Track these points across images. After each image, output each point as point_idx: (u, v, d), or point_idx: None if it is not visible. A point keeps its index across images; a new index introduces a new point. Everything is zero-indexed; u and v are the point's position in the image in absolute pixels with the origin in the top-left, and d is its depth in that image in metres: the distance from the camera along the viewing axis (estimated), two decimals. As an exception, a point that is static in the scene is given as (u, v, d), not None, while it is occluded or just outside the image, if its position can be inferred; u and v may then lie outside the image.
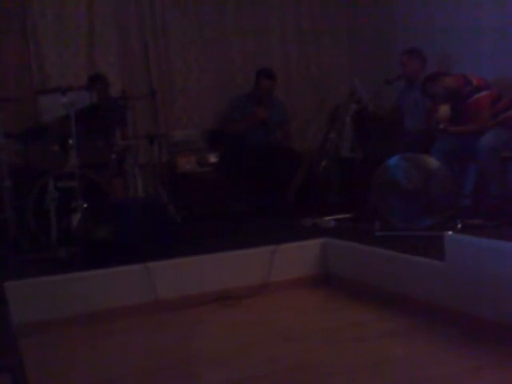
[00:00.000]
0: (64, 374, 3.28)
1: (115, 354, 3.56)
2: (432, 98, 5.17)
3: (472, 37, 5.57)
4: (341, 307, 4.13)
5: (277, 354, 3.35)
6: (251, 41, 6.83)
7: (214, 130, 6.57)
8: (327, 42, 7.08)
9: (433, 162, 4.58)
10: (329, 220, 5.18)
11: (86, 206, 4.73)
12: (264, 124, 6.21)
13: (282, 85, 6.73)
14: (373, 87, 5.97)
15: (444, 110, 5.04)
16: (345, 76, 6.96)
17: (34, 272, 4.17)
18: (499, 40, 5.34)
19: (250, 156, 6.08)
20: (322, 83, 7.05)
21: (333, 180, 6.13)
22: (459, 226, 4.36)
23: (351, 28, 7.05)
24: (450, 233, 3.81)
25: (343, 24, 7.10)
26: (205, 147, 6.44)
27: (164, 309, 4.09)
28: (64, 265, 4.36)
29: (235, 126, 6.24)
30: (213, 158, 6.33)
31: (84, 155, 4.99)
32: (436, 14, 5.96)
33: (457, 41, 5.68)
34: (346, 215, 5.31)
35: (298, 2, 6.98)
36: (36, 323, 3.82)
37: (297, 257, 4.58)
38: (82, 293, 4.02)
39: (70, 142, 4.85)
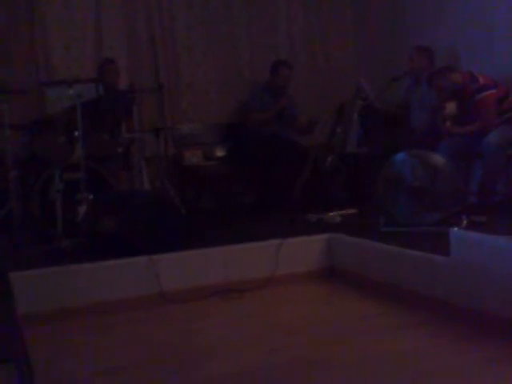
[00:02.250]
0: (68, 365, 3.29)
1: (119, 345, 3.56)
2: (438, 92, 5.14)
3: (483, 35, 5.54)
4: (345, 302, 4.13)
5: (280, 346, 3.35)
6: (258, 36, 6.82)
7: (222, 124, 6.58)
8: (334, 38, 7.07)
9: (439, 158, 4.58)
10: (334, 215, 5.17)
11: (91, 197, 4.74)
12: (281, 115, 6.25)
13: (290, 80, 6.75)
14: (379, 83, 5.95)
15: (450, 107, 5.03)
16: (352, 72, 6.94)
17: (39, 263, 4.19)
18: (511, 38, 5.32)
19: (256, 150, 6.08)
20: (329, 79, 7.04)
21: (339, 175, 6.12)
22: (465, 222, 4.35)
23: (358, 24, 7.04)
24: (456, 229, 3.80)
25: (351, 19, 7.09)
26: (211, 141, 6.44)
27: (168, 301, 4.09)
28: (69, 256, 4.38)
29: (259, 115, 6.24)
30: (219, 152, 6.33)
31: (90, 147, 4.99)
32: (445, 11, 5.93)
33: (467, 38, 5.63)
34: (352, 210, 5.31)
35: (305, 0, 6.98)
36: (40, 314, 3.83)
37: (302, 251, 4.58)
38: (86, 284, 4.03)
39: (76, 133, 4.86)
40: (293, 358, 3.21)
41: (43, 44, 6.10)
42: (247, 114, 6.38)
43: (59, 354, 3.41)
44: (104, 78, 5.67)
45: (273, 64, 6.34)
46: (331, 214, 5.19)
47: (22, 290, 3.63)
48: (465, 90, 5.01)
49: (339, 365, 3.11)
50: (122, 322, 3.90)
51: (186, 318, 3.92)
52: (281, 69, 6.31)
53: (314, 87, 6.98)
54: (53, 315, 3.86)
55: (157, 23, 6.45)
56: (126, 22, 6.37)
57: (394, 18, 6.52)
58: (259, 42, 6.81)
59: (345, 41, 7.10)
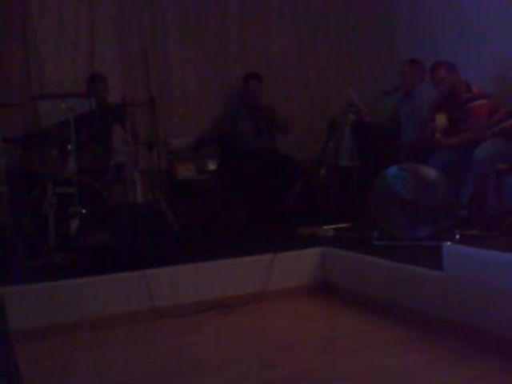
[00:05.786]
0: (61, 381, 3.28)
1: (111, 360, 3.54)
2: (437, 83, 5.08)
3: (475, 48, 5.57)
4: (338, 316, 4.13)
5: (272, 362, 3.34)
6: (251, 51, 6.85)
7: (214, 137, 6.58)
8: (326, 52, 7.11)
9: (431, 172, 4.59)
10: (327, 229, 5.18)
11: (84, 211, 4.73)
12: (260, 132, 6.30)
13: (281, 95, 6.78)
14: (371, 97, 5.97)
15: (440, 119, 5.03)
16: (344, 86, 6.96)
17: (32, 278, 4.16)
18: (503, 50, 5.34)
19: (248, 164, 6.09)
20: (321, 93, 7.08)
21: (331, 189, 6.13)
22: (457, 236, 4.37)
23: (351, 38, 7.08)
24: (449, 243, 3.81)
25: (343, 34, 7.13)
26: (204, 154, 6.45)
27: (161, 316, 4.08)
28: (61, 271, 4.36)
29: (226, 126, 6.27)
30: (212, 166, 6.33)
31: (83, 160, 4.99)
32: (438, 25, 5.96)
33: (459, 52, 5.66)
34: (345, 224, 5.31)
35: (297, 14, 7.02)
36: (33, 330, 3.81)
37: (295, 265, 4.58)
38: (79, 299, 4.01)
39: (69, 147, 4.86)
40: (284, 375, 3.20)
41: (36, 57, 6.10)
42: (215, 124, 6.39)
43: (53, 370, 3.39)
44: (93, 91, 5.67)
45: (243, 77, 6.36)
46: (324, 227, 5.19)
47: (15, 305, 3.64)
48: (457, 98, 5.02)
49: (330, 381, 3.10)
50: (114, 337, 3.89)
51: (178, 334, 3.91)
52: (250, 81, 6.32)
53: (306, 101, 7.01)
54: (45, 331, 3.84)
55: (149, 37, 6.47)
56: (119, 35, 6.38)
57: (386, 31, 6.55)
58: (251, 56, 6.84)
59: (337, 55, 7.13)
